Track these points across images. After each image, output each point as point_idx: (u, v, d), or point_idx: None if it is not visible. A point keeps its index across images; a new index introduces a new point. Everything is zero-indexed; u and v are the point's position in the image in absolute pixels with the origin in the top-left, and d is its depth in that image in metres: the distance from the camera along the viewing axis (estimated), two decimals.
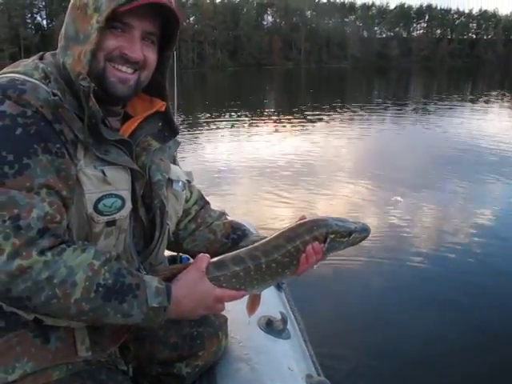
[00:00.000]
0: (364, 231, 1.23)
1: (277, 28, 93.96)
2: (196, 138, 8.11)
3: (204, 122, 10.20)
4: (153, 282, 1.01)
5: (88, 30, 1.01)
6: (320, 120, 9.95)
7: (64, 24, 1.07)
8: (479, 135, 7.76)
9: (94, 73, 1.03)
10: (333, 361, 1.80)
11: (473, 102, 13.88)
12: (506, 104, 13.53)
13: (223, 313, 1.39)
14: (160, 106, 1.17)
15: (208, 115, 11.54)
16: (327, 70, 58.40)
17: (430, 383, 1.82)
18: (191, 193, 1.37)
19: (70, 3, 1.06)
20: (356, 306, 2.35)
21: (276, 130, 8.68)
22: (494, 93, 16.99)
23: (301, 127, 8.92)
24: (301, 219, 1.21)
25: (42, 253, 0.91)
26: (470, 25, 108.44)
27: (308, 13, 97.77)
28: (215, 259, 1.13)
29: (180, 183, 1.26)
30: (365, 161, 6.21)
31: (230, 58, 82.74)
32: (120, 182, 1.05)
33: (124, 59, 1.05)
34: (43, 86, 0.99)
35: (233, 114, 11.77)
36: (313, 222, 1.18)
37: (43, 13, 75.59)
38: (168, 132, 1.19)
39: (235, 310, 1.44)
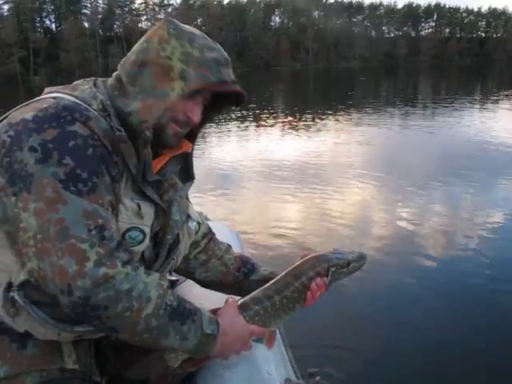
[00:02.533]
0: (361, 259, 1.37)
1: (284, 29, 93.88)
2: (203, 138, 8.14)
3: (211, 124, 10.21)
4: (205, 311, 1.09)
5: (166, 89, 1.07)
6: (328, 120, 9.93)
7: (136, 67, 1.10)
8: (489, 136, 7.69)
9: (155, 123, 1.08)
10: (314, 366, 1.79)
11: (482, 101, 13.75)
12: None
13: None
14: (187, 147, 1.22)
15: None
16: (335, 70, 58.26)
17: None
18: (199, 224, 1.41)
19: (150, 54, 1.09)
20: (344, 309, 2.34)
21: (284, 131, 8.69)
22: (505, 92, 16.79)
23: (308, 128, 8.91)
24: (303, 256, 1.36)
25: (123, 265, 0.96)
26: (479, 23, 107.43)
27: (315, 13, 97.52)
28: (238, 302, 1.27)
29: (195, 223, 1.34)
30: (373, 161, 6.19)
31: (237, 59, 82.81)
32: (148, 217, 1.10)
33: (186, 122, 1.13)
34: (102, 118, 1.04)
35: (239, 114, 11.68)
36: (315, 259, 1.34)
37: (52, 16, 76.49)
38: (187, 173, 1.25)
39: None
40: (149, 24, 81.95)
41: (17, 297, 0.99)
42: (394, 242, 3.24)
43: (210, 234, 1.46)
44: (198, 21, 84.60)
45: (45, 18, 76.53)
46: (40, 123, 0.97)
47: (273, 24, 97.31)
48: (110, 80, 1.15)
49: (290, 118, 10.44)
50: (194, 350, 1.08)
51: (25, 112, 1.00)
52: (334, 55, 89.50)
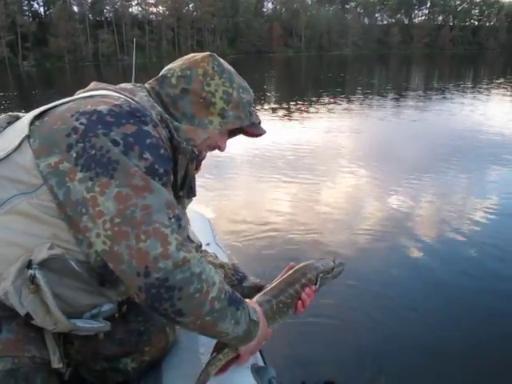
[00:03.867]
0: (341, 265, 1.57)
1: (277, 15, 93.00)
2: None
3: None
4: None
5: (205, 121, 1.22)
6: (319, 108, 9.88)
7: (178, 91, 1.21)
8: (481, 124, 7.71)
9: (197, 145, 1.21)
10: (284, 354, 1.78)
11: (474, 90, 13.78)
12: (509, 93, 13.39)
13: None
14: (200, 168, 1.36)
15: None
16: (328, 57, 57.97)
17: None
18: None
19: (194, 84, 1.20)
20: (333, 296, 2.31)
21: (275, 118, 8.63)
22: (497, 81, 16.85)
23: (300, 115, 8.87)
24: (290, 267, 1.52)
25: (195, 251, 1.05)
26: (473, 11, 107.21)
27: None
28: None
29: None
30: (365, 149, 6.18)
31: (229, 46, 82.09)
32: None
33: (214, 149, 1.30)
34: (162, 128, 1.11)
35: None
36: (305, 267, 1.51)
37: (40, 0, 74.93)
38: (191, 190, 1.32)
39: None
40: (139, 9, 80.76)
41: (38, 275, 0.98)
42: (386, 228, 3.24)
43: (200, 248, 1.57)
44: (190, 6, 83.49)
45: (33, 1, 75.01)
46: (118, 118, 1.01)
47: (265, 10, 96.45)
48: (151, 92, 1.22)
49: (281, 105, 10.39)
50: (242, 336, 1.16)
51: (95, 104, 1.04)
52: (326, 42, 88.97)
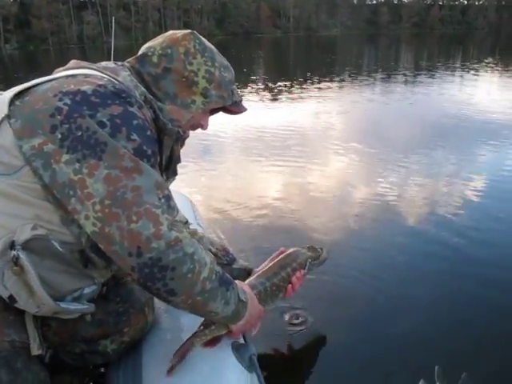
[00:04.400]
0: (327, 253, 1.73)
1: None
2: None
3: None
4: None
5: (187, 100, 1.22)
6: (310, 89, 9.81)
7: (160, 70, 1.19)
8: (469, 104, 7.73)
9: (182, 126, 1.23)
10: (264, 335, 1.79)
11: (463, 69, 13.77)
12: (496, 73, 13.41)
13: None
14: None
15: None
16: (316, 37, 57.37)
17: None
18: None
19: (176, 63, 1.19)
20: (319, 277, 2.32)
21: (264, 100, 8.55)
22: (485, 60, 16.85)
23: (289, 96, 8.80)
24: (281, 252, 1.63)
25: (185, 229, 1.06)
26: None
27: None
28: None
29: None
30: (353, 130, 6.17)
31: (216, 27, 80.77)
32: None
33: (197, 128, 1.32)
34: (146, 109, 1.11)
35: None
36: (295, 253, 1.63)
37: None
38: (174, 170, 1.34)
39: None
40: None
41: (22, 255, 0.97)
42: (376, 209, 3.25)
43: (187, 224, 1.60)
44: None
45: None
46: (103, 98, 1.00)
47: None
48: (132, 71, 1.19)
49: (269, 86, 10.29)
50: (231, 316, 1.19)
51: (78, 84, 1.02)
52: (314, 22, 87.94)
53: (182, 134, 1.20)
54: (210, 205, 3.29)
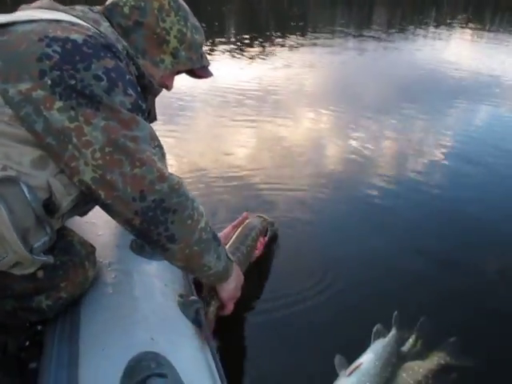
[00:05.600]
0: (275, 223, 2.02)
1: None
2: None
3: None
4: None
5: (156, 58, 1.19)
6: (282, 46, 9.55)
7: (131, 22, 1.14)
8: (441, 62, 7.67)
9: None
10: None
11: (437, 28, 13.67)
12: (468, 30, 13.40)
13: (94, 238, 1.31)
14: None
15: None
16: None
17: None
18: None
19: (148, 18, 1.14)
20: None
21: (235, 56, 8.28)
22: (459, 17, 16.80)
23: (261, 54, 8.54)
24: (245, 218, 1.79)
25: None
26: None
27: None
28: None
29: None
30: (326, 88, 6.06)
31: None
32: None
33: (163, 87, 1.29)
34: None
35: None
36: (259, 218, 1.88)
37: None
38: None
39: (106, 235, 1.35)
40: None
41: None
42: (350, 167, 3.21)
43: None
44: None
45: None
46: (95, 50, 0.97)
47: None
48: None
49: (240, 42, 9.97)
50: (221, 272, 1.22)
51: (66, 32, 0.98)
52: None
53: (159, 90, 1.22)
54: (178, 164, 3.18)
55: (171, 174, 1.04)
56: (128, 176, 0.97)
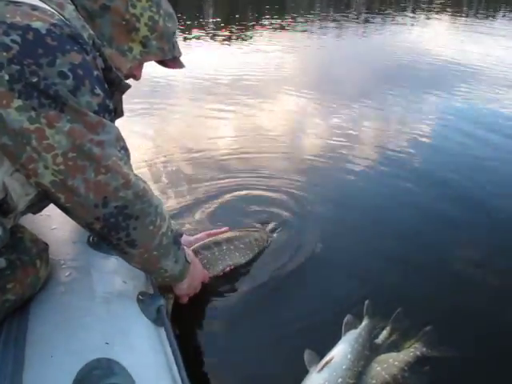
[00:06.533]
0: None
1: None
2: None
3: None
4: None
5: (124, 46, 1.09)
6: (260, 30, 9.41)
7: (97, 6, 1.03)
8: (420, 47, 7.68)
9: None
10: None
11: (415, 12, 13.65)
12: (447, 17, 13.39)
13: (47, 232, 1.21)
14: None
15: None
16: None
17: None
18: None
19: (117, 3, 1.04)
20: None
21: (215, 42, 8.11)
22: (437, 1, 16.75)
23: (240, 38, 8.38)
24: (224, 230, 1.77)
25: None
26: None
27: None
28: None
29: None
30: (306, 73, 6.00)
31: None
32: None
33: (129, 77, 1.19)
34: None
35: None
36: (250, 231, 1.86)
37: None
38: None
39: (61, 229, 1.26)
40: None
41: None
42: (329, 152, 3.15)
43: None
44: None
45: None
46: (60, 42, 0.88)
47: None
48: None
49: (219, 28, 9.77)
50: (177, 275, 1.22)
51: (27, 18, 0.87)
52: None
53: (128, 85, 1.14)
54: (156, 151, 3.06)
55: (137, 180, 1.01)
56: (91, 182, 0.93)
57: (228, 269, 1.68)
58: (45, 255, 1.16)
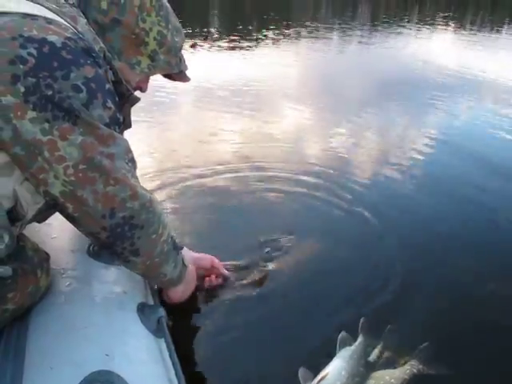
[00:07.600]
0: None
1: None
2: None
3: None
4: None
5: (132, 60, 1.12)
6: (264, 41, 9.48)
7: (108, 20, 1.06)
8: (423, 59, 7.69)
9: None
10: None
11: (419, 24, 13.79)
12: (451, 28, 13.54)
13: (48, 241, 1.21)
14: None
15: None
16: None
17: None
18: None
19: (128, 17, 1.06)
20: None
21: (220, 51, 8.15)
22: (441, 14, 16.97)
23: (243, 49, 8.44)
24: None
25: None
26: None
27: None
28: None
29: None
30: (310, 84, 6.04)
31: None
32: None
33: (136, 90, 1.22)
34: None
35: None
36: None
37: None
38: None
39: (61, 238, 1.26)
40: None
41: None
42: (331, 163, 3.16)
43: None
44: None
45: None
46: (75, 56, 0.91)
47: None
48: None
49: (223, 37, 9.85)
50: (175, 279, 1.26)
51: (43, 31, 0.89)
52: None
53: (138, 98, 1.17)
54: (161, 161, 3.06)
55: (143, 191, 1.03)
56: (100, 193, 0.96)
57: None
58: (46, 265, 1.15)
